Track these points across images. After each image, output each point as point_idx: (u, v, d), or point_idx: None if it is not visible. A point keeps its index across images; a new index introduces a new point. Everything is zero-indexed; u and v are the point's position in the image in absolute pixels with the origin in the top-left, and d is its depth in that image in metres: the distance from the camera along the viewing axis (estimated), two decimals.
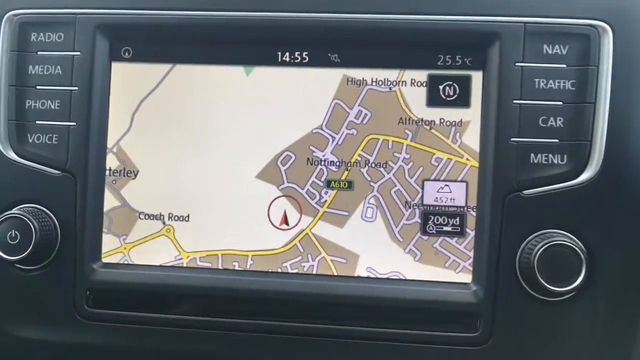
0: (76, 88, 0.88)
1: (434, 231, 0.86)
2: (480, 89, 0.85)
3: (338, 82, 0.87)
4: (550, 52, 0.84)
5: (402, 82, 0.86)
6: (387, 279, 0.86)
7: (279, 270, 0.87)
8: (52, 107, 0.88)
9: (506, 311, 0.83)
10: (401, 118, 0.86)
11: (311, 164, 0.87)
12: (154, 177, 0.89)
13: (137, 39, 0.89)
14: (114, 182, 0.89)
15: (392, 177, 0.86)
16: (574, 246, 0.80)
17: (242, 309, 0.87)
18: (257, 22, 0.87)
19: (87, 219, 0.88)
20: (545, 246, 0.80)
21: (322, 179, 0.87)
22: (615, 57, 0.83)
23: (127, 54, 0.90)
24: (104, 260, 0.89)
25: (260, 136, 0.88)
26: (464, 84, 0.86)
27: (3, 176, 0.89)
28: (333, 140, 0.87)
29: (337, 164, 0.87)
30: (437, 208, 0.86)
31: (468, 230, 0.85)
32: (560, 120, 0.83)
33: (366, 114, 0.87)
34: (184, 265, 0.89)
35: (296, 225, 0.88)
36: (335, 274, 0.87)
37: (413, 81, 0.86)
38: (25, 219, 0.85)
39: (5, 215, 0.86)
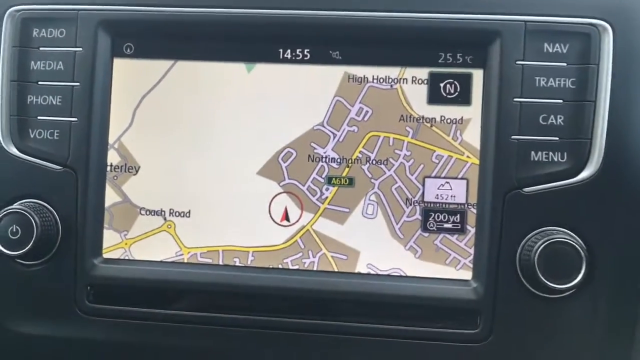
0: (78, 84, 0.88)
1: (434, 228, 0.86)
2: (481, 87, 0.86)
3: (339, 79, 0.87)
4: (550, 50, 0.84)
5: (403, 79, 0.87)
6: (388, 275, 0.86)
7: (280, 266, 0.88)
8: (54, 102, 0.89)
9: (506, 308, 0.83)
10: (402, 115, 0.87)
11: (312, 161, 0.88)
12: (155, 173, 0.89)
13: (139, 35, 0.90)
14: (115, 177, 0.90)
15: (393, 174, 0.87)
16: (574, 244, 0.80)
17: (242, 304, 0.87)
18: (259, 19, 0.87)
19: (88, 214, 0.88)
20: (546, 243, 0.80)
21: (323, 176, 0.87)
22: (615, 56, 0.83)
23: (129, 50, 0.90)
24: (105, 255, 0.90)
25: (262, 133, 0.88)
26: (465, 81, 0.86)
27: (4, 171, 0.89)
28: (334, 137, 0.87)
29: (338, 160, 0.87)
30: (437, 205, 0.86)
31: (468, 228, 0.86)
32: (560, 118, 0.83)
33: (367, 111, 0.87)
34: (185, 261, 0.89)
35: (297, 221, 0.88)
36: (336, 270, 0.87)
37: (414, 79, 0.87)
38: (27, 214, 0.85)
39: (7, 210, 0.86)
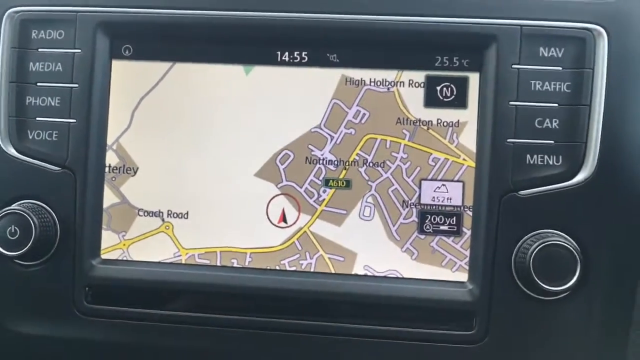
0: (76, 85, 0.89)
1: (430, 230, 0.87)
2: (477, 91, 0.86)
3: (337, 82, 0.88)
4: (546, 54, 0.84)
5: (400, 82, 0.87)
6: (384, 277, 0.87)
7: (277, 267, 0.88)
8: (53, 104, 0.89)
9: (502, 310, 0.84)
10: (399, 118, 0.87)
11: (310, 163, 0.88)
12: (153, 175, 0.90)
13: (138, 37, 0.90)
14: (113, 179, 0.90)
15: (390, 177, 0.87)
16: (568, 246, 0.81)
17: (240, 305, 0.88)
18: (257, 21, 0.88)
19: (86, 215, 0.88)
20: (541, 246, 0.80)
21: (321, 178, 0.88)
22: (610, 60, 0.84)
23: (127, 52, 0.90)
24: (103, 256, 0.90)
25: (259, 134, 0.88)
26: (461, 85, 0.87)
27: (3, 172, 0.89)
28: (331, 140, 0.88)
29: (336, 163, 0.88)
30: (434, 207, 0.87)
31: (464, 230, 0.86)
32: (555, 121, 0.84)
33: (364, 114, 0.88)
34: (183, 262, 0.89)
35: (294, 223, 0.88)
36: (333, 272, 0.88)
37: (411, 82, 0.87)
38: (25, 214, 0.85)
39: (5, 210, 0.86)
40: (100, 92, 0.89)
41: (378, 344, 0.86)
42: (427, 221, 0.87)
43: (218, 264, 0.89)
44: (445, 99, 0.87)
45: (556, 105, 0.84)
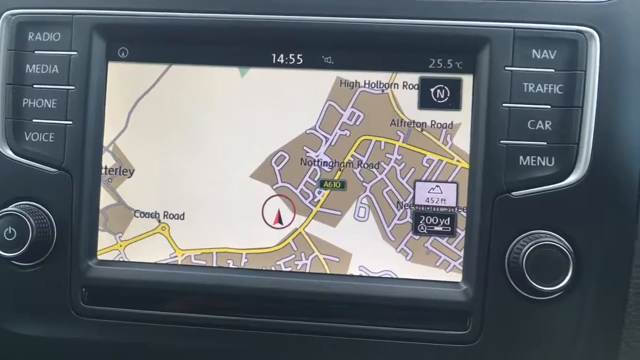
0: (73, 87, 0.89)
1: (425, 231, 0.87)
2: (471, 92, 0.87)
3: (331, 84, 0.88)
4: (538, 56, 0.85)
5: (395, 84, 0.88)
6: (379, 277, 0.87)
7: (273, 268, 0.89)
8: (49, 105, 0.89)
9: (495, 310, 0.85)
10: (393, 120, 0.88)
11: (305, 164, 0.89)
12: (149, 176, 0.90)
13: (134, 39, 0.90)
14: (109, 180, 0.90)
15: (384, 178, 0.88)
16: (561, 247, 0.81)
17: (235, 306, 0.88)
18: (253, 24, 0.88)
19: (83, 216, 0.89)
20: (534, 246, 0.81)
21: (316, 179, 0.89)
22: (602, 62, 0.84)
23: (123, 54, 0.91)
24: (100, 257, 0.90)
25: (255, 136, 0.89)
26: (455, 87, 0.87)
27: (0, 174, 0.90)
28: (326, 141, 0.88)
29: (330, 164, 0.88)
30: (428, 208, 0.87)
31: (458, 230, 0.87)
32: (548, 123, 0.84)
33: (359, 116, 0.88)
34: (179, 263, 0.90)
35: (290, 224, 0.89)
36: (328, 272, 0.88)
37: (405, 84, 0.88)
38: (22, 216, 0.86)
39: (2, 212, 0.86)
40: (96, 94, 0.89)
41: (373, 344, 0.87)
42: (421, 222, 0.87)
43: (214, 264, 0.89)
44: (439, 101, 0.87)
45: (549, 107, 0.84)
